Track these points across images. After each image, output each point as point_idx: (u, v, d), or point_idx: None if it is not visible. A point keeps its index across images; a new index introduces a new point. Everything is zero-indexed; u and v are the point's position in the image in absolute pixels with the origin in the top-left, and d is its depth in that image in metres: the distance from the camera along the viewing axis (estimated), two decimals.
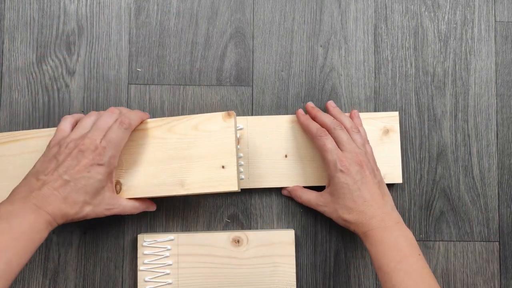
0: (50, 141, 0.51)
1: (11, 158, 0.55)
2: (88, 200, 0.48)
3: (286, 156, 0.58)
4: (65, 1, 0.61)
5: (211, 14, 0.61)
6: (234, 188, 0.51)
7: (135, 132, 0.54)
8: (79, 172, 0.47)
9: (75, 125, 0.53)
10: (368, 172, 0.52)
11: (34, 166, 0.49)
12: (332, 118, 0.56)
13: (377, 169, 0.54)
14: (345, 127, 0.54)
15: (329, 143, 0.53)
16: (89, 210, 0.49)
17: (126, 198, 0.52)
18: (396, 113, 0.59)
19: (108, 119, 0.51)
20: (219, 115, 0.52)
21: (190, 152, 0.52)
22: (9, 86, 0.60)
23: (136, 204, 0.53)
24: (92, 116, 0.52)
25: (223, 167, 0.51)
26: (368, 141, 0.56)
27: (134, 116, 0.53)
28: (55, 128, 0.55)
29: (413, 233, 0.60)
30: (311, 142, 0.58)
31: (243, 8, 0.62)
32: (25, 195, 0.45)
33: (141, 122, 0.54)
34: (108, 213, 0.51)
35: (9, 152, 0.55)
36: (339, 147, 0.53)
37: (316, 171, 0.58)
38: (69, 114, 0.59)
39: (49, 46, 0.60)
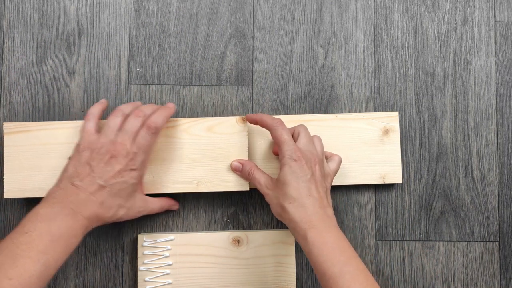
0: (79, 144, 0.50)
1: (22, 148, 0.55)
2: (123, 204, 0.50)
3: None
4: (65, 1, 0.61)
5: (211, 14, 0.61)
6: (246, 188, 0.55)
7: None
8: (113, 178, 0.48)
9: (98, 121, 0.53)
10: (319, 173, 0.51)
11: (67, 170, 0.49)
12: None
13: (328, 181, 0.53)
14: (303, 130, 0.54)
15: (285, 134, 0.51)
16: (123, 213, 0.50)
17: (153, 198, 0.55)
18: (396, 113, 0.59)
19: (135, 122, 0.50)
20: (233, 119, 0.56)
21: (204, 152, 0.55)
22: (9, 86, 0.60)
23: (162, 204, 0.56)
24: (118, 117, 0.51)
25: None
26: (323, 155, 0.55)
27: (160, 119, 0.52)
28: (68, 121, 0.55)
29: (413, 233, 0.61)
30: None
31: (243, 8, 0.62)
32: (62, 199, 0.46)
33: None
34: (139, 215, 0.53)
35: (20, 143, 0.55)
36: (295, 140, 0.52)
37: None
38: (69, 114, 0.59)
39: (49, 46, 0.60)
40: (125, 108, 0.52)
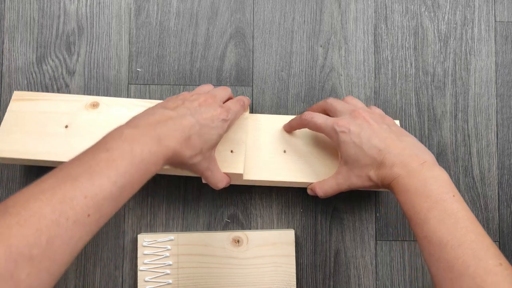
0: (175, 96, 0.50)
1: (23, 114, 0.55)
2: (203, 151, 0.46)
3: (284, 151, 0.57)
4: (65, 1, 0.61)
5: (211, 14, 0.61)
6: (240, 171, 0.53)
7: None
8: (205, 120, 0.46)
9: None
10: (372, 120, 0.49)
11: (160, 103, 0.48)
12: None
13: (386, 120, 0.51)
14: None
15: (317, 119, 0.51)
16: (198, 161, 0.46)
17: (219, 169, 0.52)
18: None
19: (224, 91, 0.52)
20: None
21: None
22: (9, 86, 0.60)
23: (224, 178, 0.52)
24: (208, 85, 0.54)
25: (231, 151, 0.54)
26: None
27: (246, 99, 0.55)
28: (76, 95, 0.56)
29: (413, 233, 0.60)
30: (309, 138, 0.57)
31: (243, 8, 0.62)
32: (149, 123, 0.42)
33: None
34: (206, 173, 0.49)
35: (23, 109, 0.55)
36: (335, 116, 0.52)
37: (314, 166, 0.57)
38: None
39: (49, 46, 0.60)
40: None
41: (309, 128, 0.54)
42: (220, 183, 0.52)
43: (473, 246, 0.39)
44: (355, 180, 0.49)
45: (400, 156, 0.45)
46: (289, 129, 0.57)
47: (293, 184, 0.57)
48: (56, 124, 0.54)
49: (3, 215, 0.32)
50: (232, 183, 0.55)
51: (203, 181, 0.52)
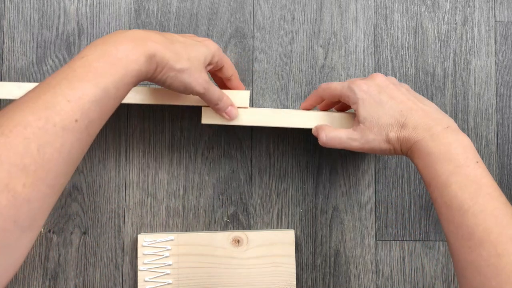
0: None
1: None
2: (191, 58, 0.43)
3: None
4: (65, 1, 0.61)
5: (211, 14, 0.61)
6: (246, 105, 0.51)
7: None
8: (190, 43, 0.45)
9: None
10: (390, 83, 0.47)
11: None
12: None
13: (402, 83, 0.49)
14: None
15: (332, 84, 0.49)
16: (187, 67, 0.43)
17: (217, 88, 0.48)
18: None
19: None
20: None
21: None
22: None
23: (225, 95, 0.49)
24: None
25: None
26: None
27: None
28: None
29: (413, 233, 0.61)
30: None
31: (243, 8, 0.62)
32: (125, 32, 0.40)
33: None
34: (201, 86, 0.45)
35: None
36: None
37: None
38: None
39: (49, 46, 0.60)
40: None
41: (325, 98, 0.51)
42: (225, 99, 0.48)
43: (496, 213, 0.37)
44: (371, 138, 0.46)
45: (424, 118, 0.44)
46: (306, 105, 0.54)
47: (302, 120, 0.51)
48: None
49: None
50: (235, 122, 0.51)
51: (203, 118, 0.50)
